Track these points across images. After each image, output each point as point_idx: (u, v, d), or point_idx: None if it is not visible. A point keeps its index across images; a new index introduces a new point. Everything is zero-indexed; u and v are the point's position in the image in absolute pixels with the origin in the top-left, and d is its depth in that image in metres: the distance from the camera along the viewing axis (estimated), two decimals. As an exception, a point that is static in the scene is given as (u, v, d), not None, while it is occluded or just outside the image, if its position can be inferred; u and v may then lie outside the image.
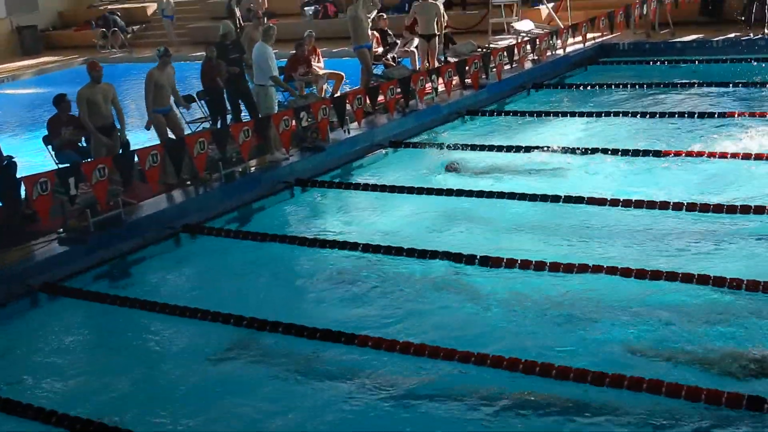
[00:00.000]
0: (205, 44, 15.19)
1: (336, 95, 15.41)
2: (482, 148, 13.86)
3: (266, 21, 16.39)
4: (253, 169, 13.23)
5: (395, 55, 17.82)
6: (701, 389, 6.87)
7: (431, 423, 7.08)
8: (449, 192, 11.97)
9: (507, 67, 17.25)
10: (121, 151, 11.96)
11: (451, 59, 17.83)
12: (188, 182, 12.53)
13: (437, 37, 17.31)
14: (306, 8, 25.56)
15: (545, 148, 13.36)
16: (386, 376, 7.73)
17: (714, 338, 7.79)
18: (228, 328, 8.84)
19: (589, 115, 15.19)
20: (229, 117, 15.01)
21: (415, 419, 7.13)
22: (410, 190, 12.17)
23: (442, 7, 17.48)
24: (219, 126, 14.54)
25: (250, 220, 12.31)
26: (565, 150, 13.21)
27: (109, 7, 29.41)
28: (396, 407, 7.31)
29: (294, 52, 15.84)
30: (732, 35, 18.66)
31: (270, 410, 7.44)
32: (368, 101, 14.57)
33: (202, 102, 15.27)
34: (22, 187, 10.60)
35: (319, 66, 16.14)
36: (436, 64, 17.05)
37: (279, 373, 8.02)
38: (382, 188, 12.43)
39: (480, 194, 11.67)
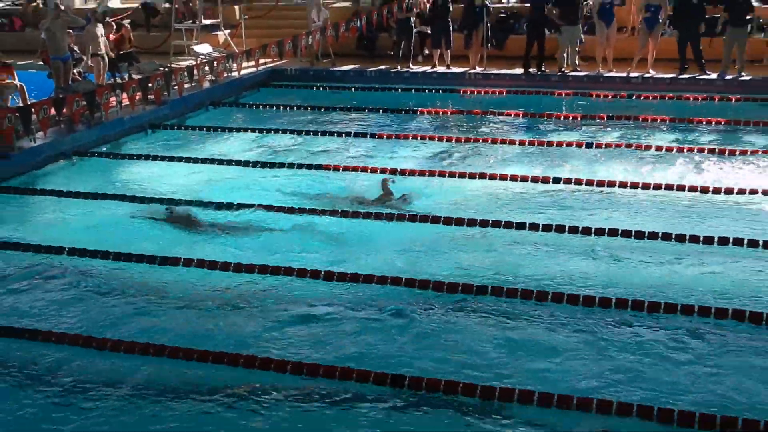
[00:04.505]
0: None
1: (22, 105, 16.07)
2: (163, 159, 15.15)
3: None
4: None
5: (81, 70, 18.67)
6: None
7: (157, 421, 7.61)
8: (132, 198, 12.97)
9: (188, 86, 18.67)
10: None
11: (135, 76, 19.03)
12: None
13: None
14: (-9, 21, 25.36)
15: (219, 161, 14.88)
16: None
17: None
18: None
19: (260, 131, 17.02)
20: None
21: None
22: (95, 197, 13.02)
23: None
24: None
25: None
26: (239, 162, 14.79)
27: None
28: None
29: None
30: (383, 67, 21.38)
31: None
32: (54, 112, 15.39)
33: None
34: None
35: (12, 82, 16.74)
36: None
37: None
38: (68, 194, 13.11)
39: (160, 201, 12.79)
